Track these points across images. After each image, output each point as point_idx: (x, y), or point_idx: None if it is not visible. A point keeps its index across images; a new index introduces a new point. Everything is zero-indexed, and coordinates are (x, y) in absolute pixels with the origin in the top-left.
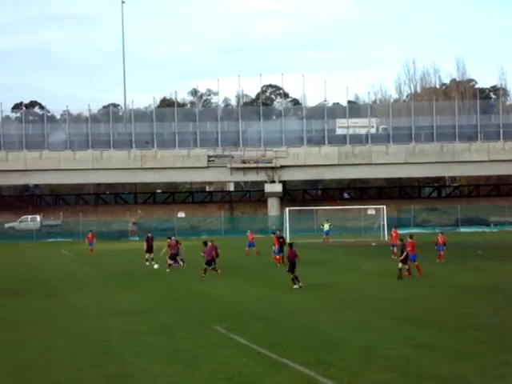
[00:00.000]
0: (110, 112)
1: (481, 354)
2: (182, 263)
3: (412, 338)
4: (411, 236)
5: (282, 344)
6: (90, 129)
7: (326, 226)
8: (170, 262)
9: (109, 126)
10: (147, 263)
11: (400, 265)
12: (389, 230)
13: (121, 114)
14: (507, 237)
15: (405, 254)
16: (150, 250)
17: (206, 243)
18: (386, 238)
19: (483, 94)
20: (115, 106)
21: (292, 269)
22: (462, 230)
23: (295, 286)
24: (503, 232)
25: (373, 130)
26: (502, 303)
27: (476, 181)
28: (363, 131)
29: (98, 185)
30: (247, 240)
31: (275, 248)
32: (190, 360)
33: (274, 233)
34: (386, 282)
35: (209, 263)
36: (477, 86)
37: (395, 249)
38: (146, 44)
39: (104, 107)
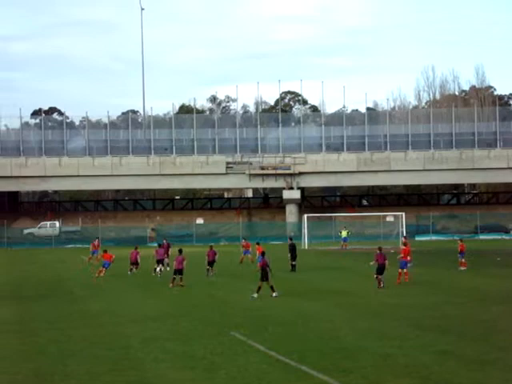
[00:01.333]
0: (129, 118)
1: (501, 360)
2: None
3: (431, 345)
4: (405, 243)
5: (300, 351)
6: (109, 135)
7: (344, 233)
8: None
9: (128, 132)
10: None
11: (379, 276)
12: (408, 236)
13: (140, 120)
14: None
15: (376, 263)
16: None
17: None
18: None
19: (502, 100)
20: (134, 112)
21: (265, 277)
22: (481, 237)
23: (274, 294)
24: None
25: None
26: None
27: (495, 188)
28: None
29: (117, 191)
30: (242, 248)
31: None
32: (208, 366)
33: (258, 243)
34: (403, 288)
35: (178, 272)
36: (496, 93)
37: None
38: (165, 50)
39: (123, 113)
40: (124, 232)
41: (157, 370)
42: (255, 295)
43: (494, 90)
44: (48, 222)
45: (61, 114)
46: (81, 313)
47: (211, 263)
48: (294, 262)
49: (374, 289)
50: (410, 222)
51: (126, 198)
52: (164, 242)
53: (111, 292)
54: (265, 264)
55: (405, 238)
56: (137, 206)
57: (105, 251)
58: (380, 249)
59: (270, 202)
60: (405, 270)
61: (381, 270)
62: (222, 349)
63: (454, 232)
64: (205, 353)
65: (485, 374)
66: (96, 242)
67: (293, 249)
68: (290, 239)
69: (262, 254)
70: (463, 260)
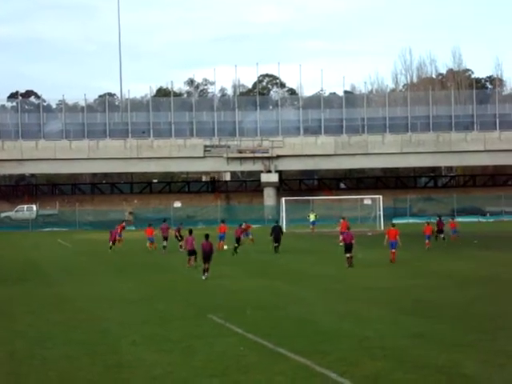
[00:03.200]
0: (106, 101)
1: (479, 343)
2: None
3: (408, 328)
4: (393, 224)
5: (277, 333)
6: (85, 118)
7: (312, 217)
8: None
9: (105, 115)
10: (164, 251)
11: (347, 254)
12: (385, 219)
13: (117, 103)
14: (503, 226)
15: (344, 242)
16: (165, 238)
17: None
18: (382, 228)
19: (479, 83)
20: (111, 95)
21: (207, 260)
22: (458, 219)
23: (205, 276)
24: (499, 222)
25: None
26: (499, 292)
27: (472, 171)
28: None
29: (94, 174)
30: (218, 232)
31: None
32: (186, 349)
33: (244, 222)
34: (381, 271)
35: (192, 253)
36: (473, 76)
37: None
38: (143, 33)
39: (100, 97)
40: (101, 215)
41: (134, 353)
42: (205, 276)
43: (472, 72)
44: (25, 206)
45: (37, 97)
46: (58, 296)
47: (208, 256)
48: (276, 244)
49: (351, 272)
50: (388, 204)
51: (104, 182)
52: (164, 224)
53: (89, 275)
54: (209, 247)
55: (393, 224)
56: (114, 190)
57: (149, 225)
58: (348, 228)
59: (216, 187)
60: (393, 251)
61: (348, 248)
62: (199, 332)
63: (431, 214)
64: (182, 336)
65: (461, 355)
66: (123, 224)
67: (278, 231)
68: (276, 222)
69: (206, 236)
70: (427, 241)
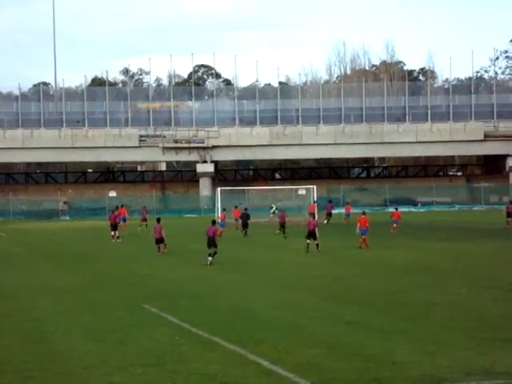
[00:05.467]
0: (41, 91)
1: (409, 330)
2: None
3: (340, 316)
4: (364, 212)
5: (212, 322)
6: (20, 107)
7: (274, 208)
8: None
9: (39, 104)
10: (113, 240)
11: (308, 241)
12: (319, 209)
13: (51, 92)
14: (434, 216)
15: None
16: (114, 227)
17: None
18: (316, 218)
19: (412, 75)
20: (46, 84)
21: (212, 245)
22: (390, 209)
23: (209, 260)
24: (430, 212)
25: None
26: (430, 281)
27: (404, 161)
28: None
29: (29, 164)
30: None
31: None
32: (120, 339)
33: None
34: (315, 260)
35: (159, 241)
36: (405, 68)
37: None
38: (77, 22)
39: (34, 86)
40: (35, 205)
41: (68, 342)
42: (210, 261)
43: (404, 64)
44: None
45: None
46: None
47: (211, 241)
48: (245, 229)
49: (286, 260)
50: (321, 194)
51: (38, 171)
52: (114, 212)
53: (23, 265)
54: (213, 232)
55: (364, 212)
56: (49, 179)
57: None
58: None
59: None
60: (363, 237)
61: (311, 234)
62: (134, 321)
63: (364, 205)
64: (117, 325)
65: (393, 343)
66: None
67: (245, 217)
68: (245, 209)
69: (213, 222)
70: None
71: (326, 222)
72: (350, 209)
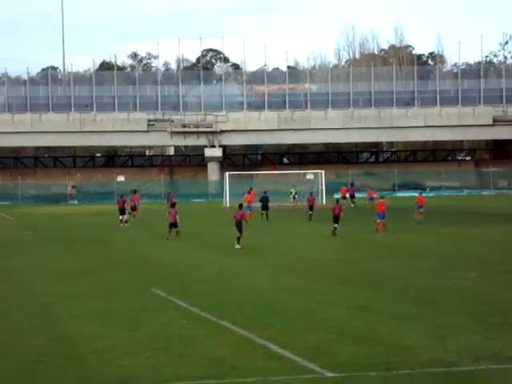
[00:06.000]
0: (49, 75)
1: (420, 315)
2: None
3: (351, 300)
4: (382, 196)
5: (221, 307)
6: (28, 91)
7: (293, 192)
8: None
9: (48, 88)
10: (121, 225)
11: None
12: (327, 194)
13: (60, 77)
14: (442, 201)
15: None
16: (122, 211)
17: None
18: (324, 203)
19: (420, 60)
20: (54, 68)
21: (238, 228)
22: (399, 194)
23: (237, 246)
24: (439, 196)
25: None
26: (440, 265)
27: (413, 146)
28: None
29: (37, 148)
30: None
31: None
32: (129, 323)
33: (251, 189)
34: (324, 245)
35: (173, 226)
36: (414, 52)
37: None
38: (86, 6)
39: (43, 70)
40: (44, 189)
41: (77, 326)
42: (238, 246)
43: (413, 49)
44: None
45: None
46: (0, 268)
47: (238, 225)
48: (264, 211)
49: (298, 245)
50: (330, 179)
51: (46, 155)
52: (121, 197)
53: (31, 249)
54: (240, 215)
55: (382, 196)
56: (57, 164)
57: (250, 189)
58: (337, 201)
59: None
60: (378, 221)
61: (336, 218)
62: (142, 305)
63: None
64: (125, 309)
65: (402, 328)
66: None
67: (265, 201)
68: (264, 193)
69: (240, 206)
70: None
71: (352, 205)
72: (373, 193)
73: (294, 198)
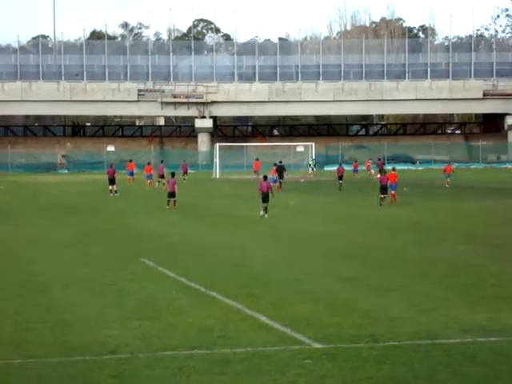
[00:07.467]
0: (40, 43)
1: (406, 287)
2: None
3: (338, 272)
4: (394, 169)
5: (210, 277)
6: (18, 60)
7: (312, 164)
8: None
9: (38, 57)
10: (111, 195)
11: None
12: (318, 166)
13: (50, 45)
14: (432, 174)
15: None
16: (112, 181)
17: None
18: (315, 175)
19: (412, 33)
20: (44, 37)
21: (266, 199)
22: (389, 167)
23: (265, 215)
24: (428, 170)
25: None
26: (427, 238)
27: (403, 119)
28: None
29: (27, 117)
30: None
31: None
32: (118, 292)
33: (275, 164)
34: (313, 217)
35: (171, 195)
36: (405, 25)
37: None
38: None
39: (33, 38)
40: (34, 158)
41: (66, 294)
42: (263, 214)
43: (404, 22)
44: None
45: None
46: None
47: (266, 195)
48: (280, 180)
49: (286, 217)
50: (320, 152)
51: (36, 124)
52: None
53: (21, 218)
54: (267, 187)
55: (393, 168)
56: (47, 132)
57: (274, 165)
58: (394, 169)
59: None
60: (393, 192)
61: (384, 189)
62: (131, 275)
63: (362, 162)
64: (114, 279)
65: (389, 300)
66: (131, 164)
67: (281, 171)
68: (280, 162)
69: (265, 177)
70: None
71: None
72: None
73: (312, 169)
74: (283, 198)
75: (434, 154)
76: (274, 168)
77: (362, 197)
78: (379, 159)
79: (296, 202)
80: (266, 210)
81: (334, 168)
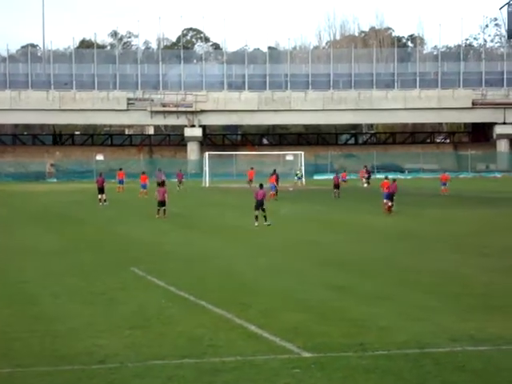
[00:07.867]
0: (29, 52)
1: (395, 296)
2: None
3: (329, 281)
4: (386, 177)
5: (200, 286)
6: (8, 68)
7: (299, 173)
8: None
9: (27, 66)
10: (100, 204)
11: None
12: (307, 175)
13: (39, 54)
14: (421, 183)
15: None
16: (101, 190)
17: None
18: (304, 184)
19: (401, 42)
20: (34, 46)
21: (260, 207)
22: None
23: (264, 223)
24: (417, 179)
25: None
26: (418, 247)
27: (392, 128)
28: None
29: (16, 125)
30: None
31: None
32: (107, 301)
33: (274, 171)
34: (303, 226)
35: (161, 204)
36: (394, 35)
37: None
38: None
39: (22, 47)
40: (23, 167)
41: (55, 304)
42: (268, 223)
43: (393, 31)
44: None
45: None
46: None
47: (260, 203)
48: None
49: (275, 226)
50: (309, 160)
51: (25, 133)
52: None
53: (8, 227)
54: (262, 195)
55: (386, 177)
56: (36, 141)
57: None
58: (261, 186)
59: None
60: (385, 201)
61: (390, 197)
62: (121, 284)
63: (351, 171)
64: (104, 288)
65: (379, 308)
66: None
67: (277, 178)
68: (274, 171)
69: (260, 186)
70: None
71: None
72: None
73: (298, 179)
74: (275, 206)
75: (422, 163)
76: (274, 176)
77: (353, 206)
78: (365, 166)
79: (287, 211)
80: (257, 218)
81: (324, 177)
